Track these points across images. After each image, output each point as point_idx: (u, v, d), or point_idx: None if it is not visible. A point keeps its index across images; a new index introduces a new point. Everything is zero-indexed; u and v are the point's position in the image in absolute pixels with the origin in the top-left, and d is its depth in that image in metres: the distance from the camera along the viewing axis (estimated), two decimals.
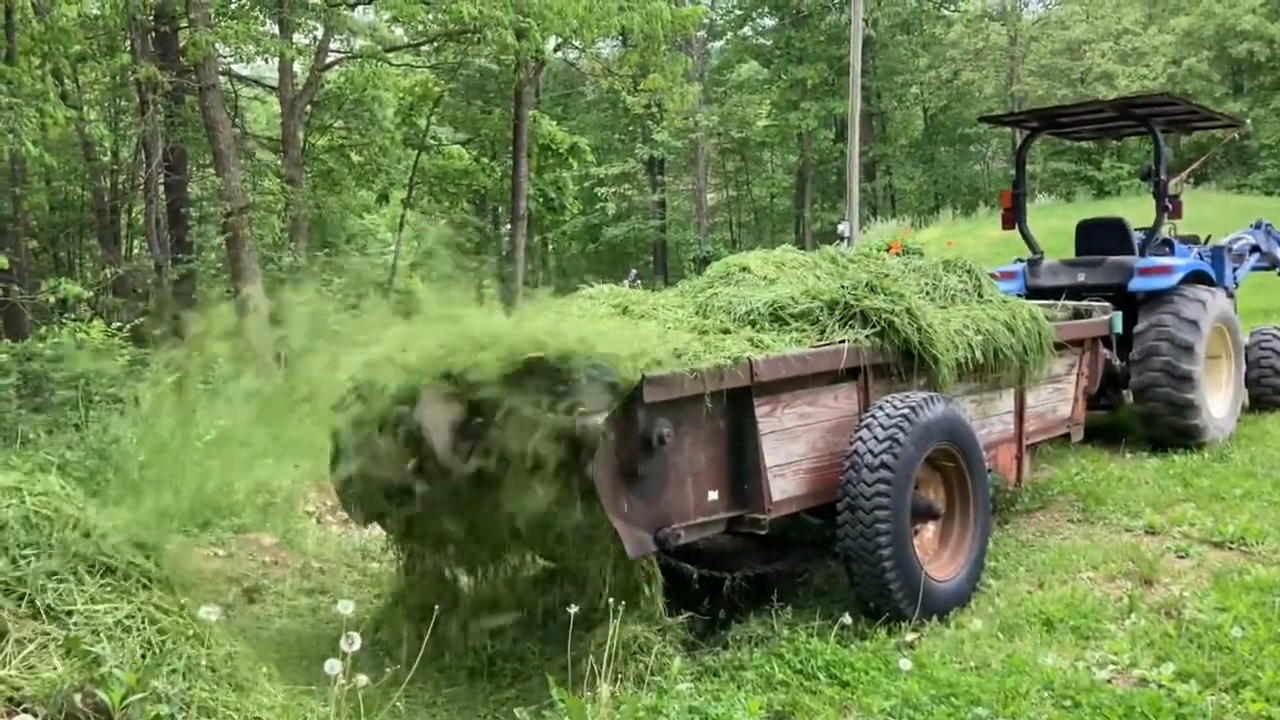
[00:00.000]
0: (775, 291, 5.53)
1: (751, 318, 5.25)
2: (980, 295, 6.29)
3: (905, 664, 4.18)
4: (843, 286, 5.40)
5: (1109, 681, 4.16)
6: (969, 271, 6.44)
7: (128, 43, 15.95)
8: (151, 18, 14.77)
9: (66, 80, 17.14)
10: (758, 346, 4.78)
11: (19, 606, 2.94)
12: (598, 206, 39.15)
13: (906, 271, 6.30)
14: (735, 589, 4.87)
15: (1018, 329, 6.03)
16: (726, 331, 4.99)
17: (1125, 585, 5.38)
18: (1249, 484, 7.16)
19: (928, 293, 6.00)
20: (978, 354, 5.59)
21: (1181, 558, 5.86)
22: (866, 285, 5.37)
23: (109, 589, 3.09)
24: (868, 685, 4.12)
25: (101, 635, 2.90)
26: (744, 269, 6.13)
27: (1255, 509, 6.60)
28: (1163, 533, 6.29)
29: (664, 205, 43.60)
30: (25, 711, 2.70)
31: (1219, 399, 8.89)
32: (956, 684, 4.06)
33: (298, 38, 18.14)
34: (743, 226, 49.32)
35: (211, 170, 15.50)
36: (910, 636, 4.69)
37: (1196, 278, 8.86)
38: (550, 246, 41.63)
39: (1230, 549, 5.94)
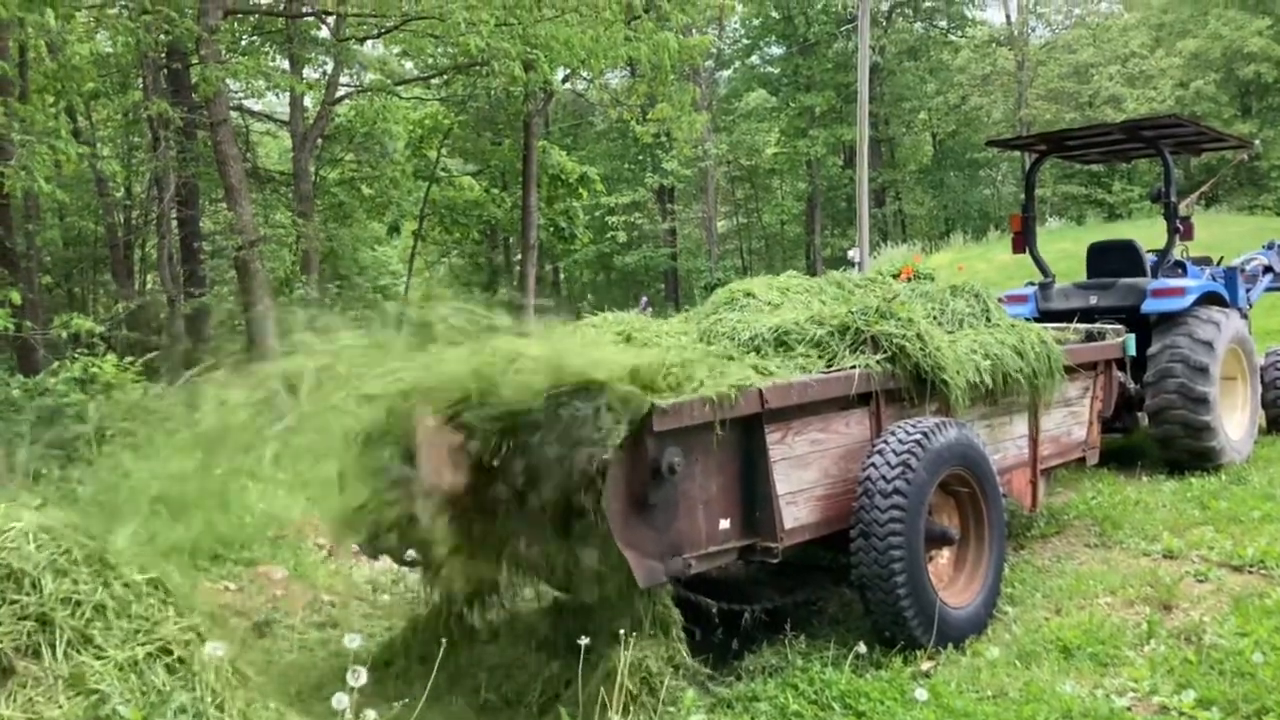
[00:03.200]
0: (780, 317, 5.50)
1: (756, 343, 5.22)
2: (988, 319, 6.25)
3: (921, 694, 4.12)
4: (852, 311, 5.37)
5: (1129, 709, 4.09)
6: (977, 296, 6.40)
7: (140, 79, 16.14)
8: (163, 55, 14.95)
9: (79, 117, 17.34)
10: (762, 373, 4.75)
11: (26, 644, 2.92)
12: (608, 235, 39.30)
13: (913, 296, 6.27)
14: (752, 620, 4.81)
15: (1026, 353, 5.98)
16: (730, 358, 4.95)
17: (1144, 610, 5.31)
18: (1268, 506, 7.07)
19: (935, 317, 5.97)
20: (985, 378, 5.54)
21: (1200, 582, 5.77)
22: (876, 310, 5.34)
23: (120, 628, 3.07)
24: (884, 715, 4.06)
25: (108, 673, 2.88)
26: (748, 295, 6.11)
27: (1275, 531, 6.51)
28: (1181, 557, 6.21)
29: (674, 233, 43.74)
30: None
31: (1235, 421, 8.81)
32: (974, 713, 4.00)
33: (308, 72, 18.34)
34: (753, 253, 49.41)
35: (223, 204, 15.61)
36: (926, 665, 4.63)
37: (1210, 299, 8.81)
38: (562, 276, 41.77)
39: (1250, 573, 5.85)
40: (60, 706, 2.75)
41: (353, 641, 3.14)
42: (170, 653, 3.02)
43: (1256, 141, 10.55)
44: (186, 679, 2.97)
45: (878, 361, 5.08)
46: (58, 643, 2.87)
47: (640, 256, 41.66)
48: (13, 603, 2.92)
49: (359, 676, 2.93)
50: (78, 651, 2.89)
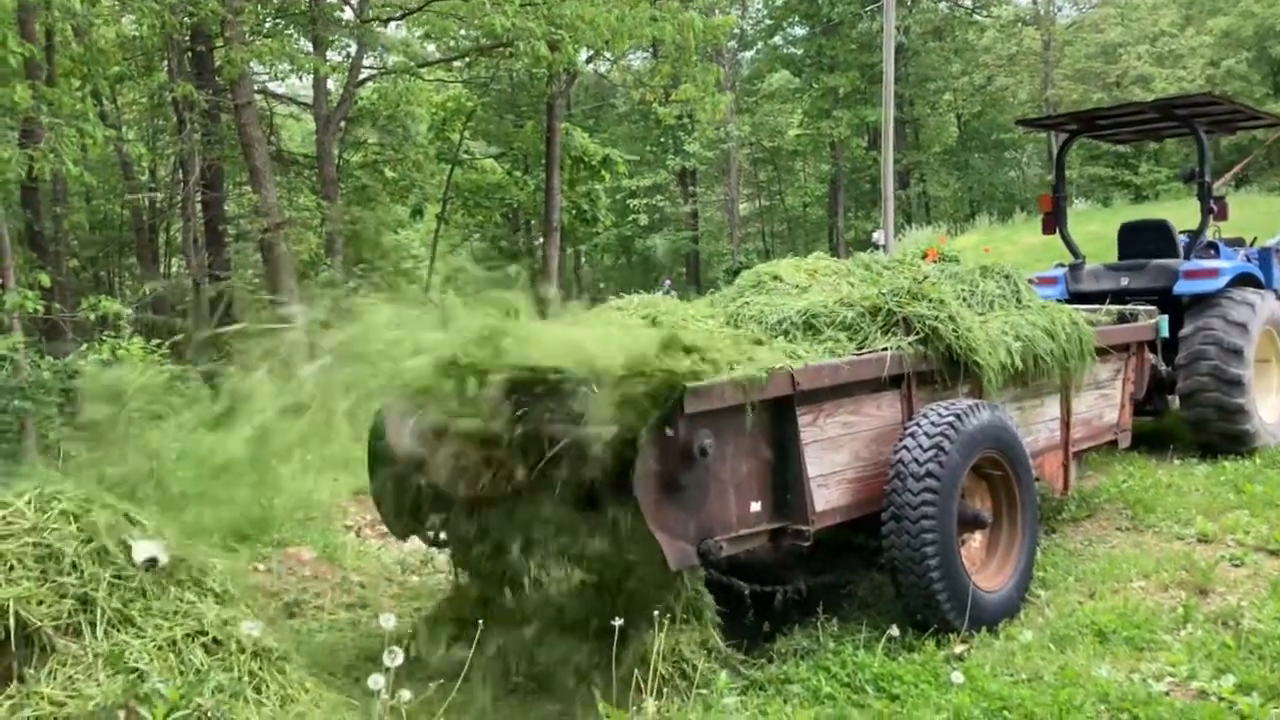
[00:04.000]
0: (808, 299, 5.44)
1: (784, 327, 5.17)
2: (1019, 301, 6.17)
3: (958, 677, 4.08)
4: (882, 293, 5.31)
5: (1167, 694, 4.05)
6: (1007, 277, 6.32)
7: (165, 62, 16.15)
8: (188, 37, 14.94)
9: (105, 100, 17.40)
10: (790, 356, 4.70)
11: (67, 623, 2.93)
12: (630, 218, 39.18)
13: (943, 278, 6.19)
14: (784, 602, 4.79)
15: (1057, 334, 5.91)
16: (759, 342, 4.91)
17: (1179, 595, 5.26)
18: None
19: (965, 299, 5.90)
20: (1016, 360, 5.48)
21: (1236, 566, 5.71)
22: (908, 291, 5.28)
23: (158, 609, 3.08)
24: (917, 698, 4.03)
25: (148, 652, 2.89)
26: (775, 277, 6.04)
27: None
28: (1216, 541, 6.15)
29: (696, 216, 43.57)
30: None
31: (1270, 404, 8.69)
32: (1009, 697, 3.97)
33: (331, 54, 18.30)
34: (776, 236, 49.14)
35: (248, 187, 15.64)
36: (959, 648, 4.60)
37: (1244, 280, 8.68)
38: (583, 259, 41.73)
39: None
40: (99, 684, 2.76)
41: (388, 622, 3.14)
42: (207, 633, 3.03)
43: None
44: (225, 659, 2.98)
45: (910, 343, 5.02)
46: (98, 622, 2.88)
47: (662, 239, 41.51)
48: (53, 582, 2.93)
49: (395, 657, 2.93)
50: (118, 630, 2.90)
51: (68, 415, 8.65)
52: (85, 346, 9.15)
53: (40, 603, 2.88)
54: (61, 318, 10.56)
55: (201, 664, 2.91)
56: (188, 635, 2.97)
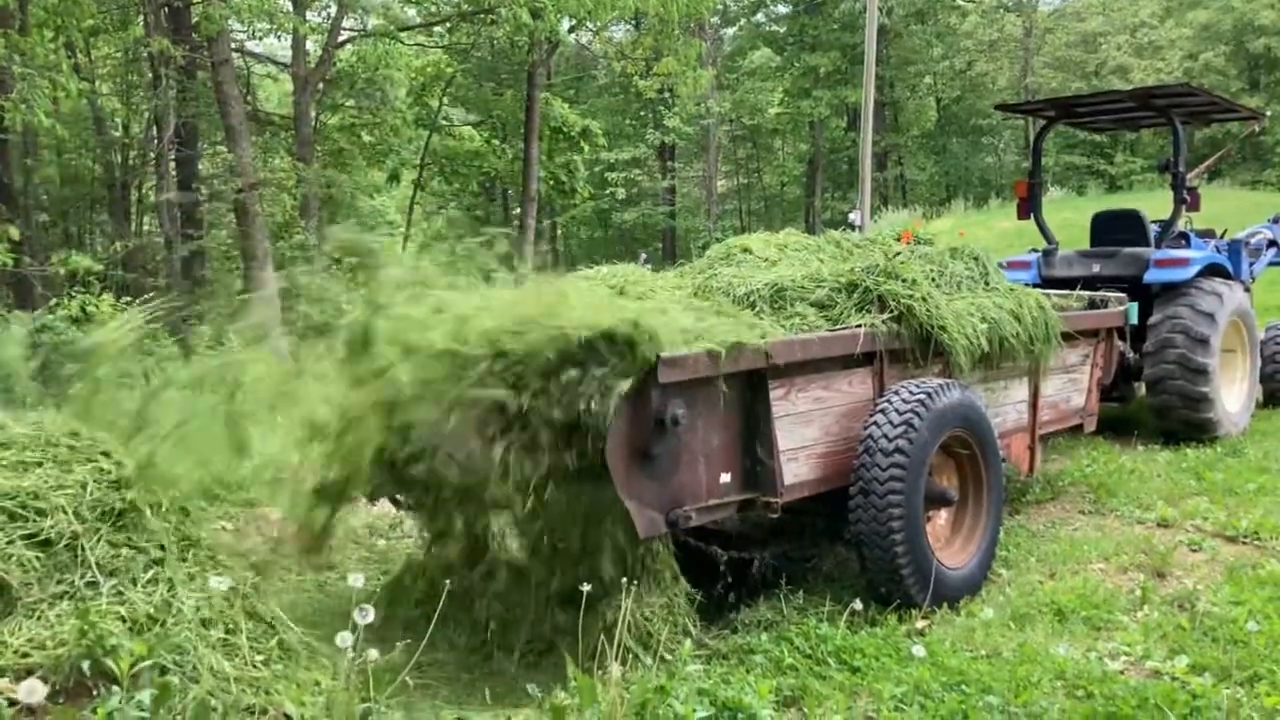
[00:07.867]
0: (777, 273, 5.46)
1: (751, 300, 5.18)
2: (987, 283, 6.21)
3: (919, 651, 4.14)
4: (858, 269, 5.34)
5: (1122, 673, 4.12)
6: (976, 259, 6.34)
7: (141, 17, 15.91)
8: None
9: (79, 53, 17.13)
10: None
11: (42, 575, 2.92)
12: (608, 191, 39.10)
13: (912, 258, 6.22)
14: (754, 572, 4.83)
15: (1024, 317, 5.94)
16: (721, 313, 4.89)
17: (1137, 577, 5.34)
18: (1263, 479, 7.11)
19: (934, 279, 5.92)
20: (982, 341, 5.52)
21: (1194, 551, 5.81)
22: (883, 269, 5.31)
23: (139, 559, 3.07)
24: (878, 671, 4.08)
25: (120, 603, 2.88)
26: (745, 250, 6.06)
27: (1269, 504, 6.54)
28: (1175, 526, 6.24)
29: (674, 191, 43.51)
30: (34, 679, 2.67)
31: (1233, 393, 8.82)
32: (967, 672, 4.03)
33: (311, 15, 18.11)
34: (753, 214, 49.19)
35: (223, 146, 15.47)
36: (921, 624, 4.65)
37: (1213, 271, 8.79)
38: (560, 230, 41.62)
39: (1244, 543, 5.88)
40: (66, 640, 2.75)
41: (357, 581, 3.14)
42: (177, 590, 3.02)
43: (1268, 112, 10.46)
44: (198, 612, 2.97)
45: (884, 321, 5.06)
46: (77, 576, 2.87)
47: (639, 214, 41.47)
48: (35, 530, 2.92)
49: (366, 614, 2.94)
50: (94, 585, 2.89)
51: (35, 370, 8.57)
52: (54, 302, 9.06)
53: (11, 555, 2.86)
54: (30, 272, 10.45)
55: (174, 617, 2.91)
56: (164, 594, 2.96)
